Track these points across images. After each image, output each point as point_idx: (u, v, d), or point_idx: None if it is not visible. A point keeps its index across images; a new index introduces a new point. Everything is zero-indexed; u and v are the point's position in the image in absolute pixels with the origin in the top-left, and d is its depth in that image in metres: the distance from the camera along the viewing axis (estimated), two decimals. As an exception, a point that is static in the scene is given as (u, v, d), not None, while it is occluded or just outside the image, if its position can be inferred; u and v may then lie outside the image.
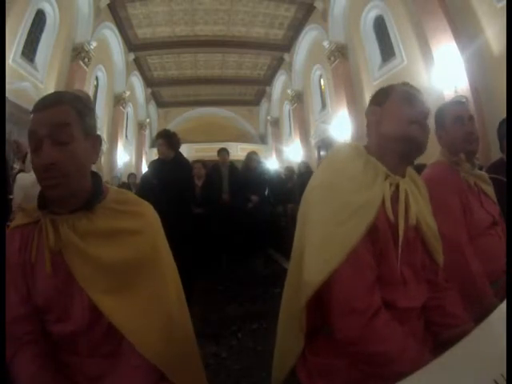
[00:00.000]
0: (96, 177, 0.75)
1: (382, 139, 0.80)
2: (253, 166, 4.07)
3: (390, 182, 0.74)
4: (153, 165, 2.78)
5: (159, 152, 2.64)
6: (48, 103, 0.66)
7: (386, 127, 0.79)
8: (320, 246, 0.68)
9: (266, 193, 4.47)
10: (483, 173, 1.23)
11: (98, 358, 0.68)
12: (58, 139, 0.63)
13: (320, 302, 0.70)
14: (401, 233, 0.72)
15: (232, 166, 4.02)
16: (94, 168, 0.75)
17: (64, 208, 0.68)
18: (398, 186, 0.75)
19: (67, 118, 0.65)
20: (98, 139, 0.74)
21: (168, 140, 2.60)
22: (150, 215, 0.77)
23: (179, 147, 2.69)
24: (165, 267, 0.76)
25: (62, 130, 0.64)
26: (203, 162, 3.90)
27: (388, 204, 0.71)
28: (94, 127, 0.73)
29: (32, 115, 0.66)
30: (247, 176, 3.97)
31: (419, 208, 0.78)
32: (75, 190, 0.67)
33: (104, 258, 0.67)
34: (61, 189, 0.64)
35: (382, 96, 0.84)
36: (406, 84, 0.85)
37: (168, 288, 0.74)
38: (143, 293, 0.68)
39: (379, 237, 0.70)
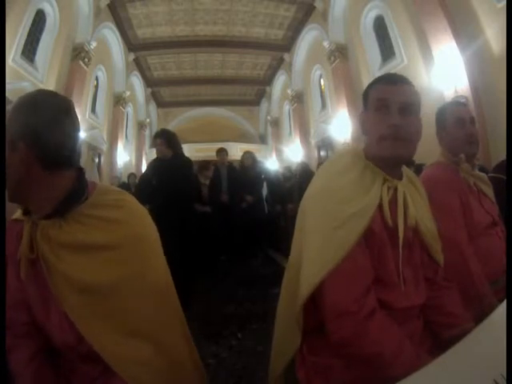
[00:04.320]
0: (80, 174, 0.67)
1: (372, 148, 0.78)
2: (249, 166, 4.08)
3: (388, 185, 0.74)
4: (151, 164, 2.78)
5: (158, 151, 2.64)
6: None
7: (367, 139, 0.78)
8: (317, 250, 0.68)
9: (265, 193, 4.47)
10: (483, 174, 1.23)
11: (92, 366, 0.65)
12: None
13: (318, 302, 0.70)
14: (401, 235, 0.72)
15: (230, 166, 4.03)
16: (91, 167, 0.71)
17: (37, 213, 0.64)
18: (396, 189, 0.75)
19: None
20: (28, 144, 0.61)
21: (166, 139, 2.60)
22: (135, 222, 0.68)
23: (178, 146, 2.69)
24: (155, 283, 0.67)
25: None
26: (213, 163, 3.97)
27: (386, 207, 0.71)
28: (22, 130, 0.60)
29: None
30: (244, 176, 3.99)
31: (418, 209, 0.78)
32: (23, 196, 0.63)
33: (73, 275, 0.61)
34: (9, 192, 0.62)
35: (364, 95, 0.80)
36: (385, 77, 0.78)
37: (160, 308, 0.67)
38: (128, 314, 0.63)
39: (376, 240, 0.71)
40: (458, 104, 1.31)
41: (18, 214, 0.70)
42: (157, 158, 2.70)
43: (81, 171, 0.68)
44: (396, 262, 0.73)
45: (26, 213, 0.66)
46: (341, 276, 0.66)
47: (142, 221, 0.71)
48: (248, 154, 4.23)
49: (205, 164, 3.95)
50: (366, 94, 0.79)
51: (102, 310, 0.62)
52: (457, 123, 1.19)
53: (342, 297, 0.66)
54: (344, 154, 0.85)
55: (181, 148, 2.69)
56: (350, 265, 0.66)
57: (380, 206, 0.72)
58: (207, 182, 3.74)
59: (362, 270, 0.69)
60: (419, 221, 0.77)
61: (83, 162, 7.14)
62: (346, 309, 0.65)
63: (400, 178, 0.79)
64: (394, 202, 0.74)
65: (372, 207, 0.70)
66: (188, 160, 2.75)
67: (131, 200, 0.72)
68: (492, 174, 1.25)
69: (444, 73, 4.77)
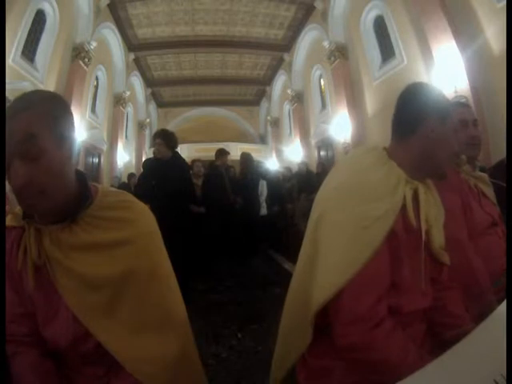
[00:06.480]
0: (81, 179, 0.67)
1: (422, 157, 0.77)
2: (248, 167, 4.08)
3: (410, 187, 0.74)
4: (149, 164, 2.77)
5: (156, 151, 2.63)
6: (15, 110, 0.57)
7: (436, 152, 0.76)
8: (342, 250, 0.66)
9: (265, 193, 4.47)
10: (483, 174, 1.23)
11: (95, 366, 0.66)
12: (25, 156, 0.55)
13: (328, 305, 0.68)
14: (424, 236, 0.72)
15: (229, 166, 4.03)
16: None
17: (46, 219, 0.63)
18: (415, 191, 0.75)
19: (32, 128, 0.56)
20: (73, 140, 0.65)
21: (166, 139, 2.60)
22: (143, 220, 0.70)
23: (177, 147, 2.69)
24: (161, 279, 0.70)
25: (28, 144, 0.55)
26: (202, 162, 3.92)
27: (410, 208, 0.71)
28: (68, 129, 0.63)
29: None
30: (242, 176, 3.99)
31: (434, 211, 0.78)
32: (56, 202, 0.60)
33: (89, 274, 0.62)
34: (39, 206, 0.58)
35: (443, 110, 0.77)
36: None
37: (165, 303, 0.69)
38: (136, 310, 0.64)
39: (396, 242, 0.70)
40: (460, 105, 1.29)
41: (9, 220, 0.67)
42: (154, 157, 2.69)
43: (82, 175, 0.69)
44: (411, 265, 0.72)
45: (25, 217, 0.64)
46: (362, 280, 0.64)
47: (148, 219, 0.73)
48: (241, 155, 4.22)
49: (191, 163, 3.94)
50: (446, 109, 0.79)
51: (111, 307, 0.62)
52: (459, 125, 1.18)
53: (359, 302, 0.64)
54: (367, 151, 0.82)
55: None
56: (372, 268, 0.64)
57: (402, 207, 0.71)
58: (199, 182, 3.74)
59: (382, 274, 0.67)
60: (433, 223, 0.76)
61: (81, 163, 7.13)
62: (361, 315, 0.64)
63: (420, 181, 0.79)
64: (414, 204, 0.73)
65: (397, 208, 0.69)
66: (184, 160, 2.76)
67: (135, 200, 0.73)
68: (492, 180, 1.24)
69: (444, 73, 4.77)
